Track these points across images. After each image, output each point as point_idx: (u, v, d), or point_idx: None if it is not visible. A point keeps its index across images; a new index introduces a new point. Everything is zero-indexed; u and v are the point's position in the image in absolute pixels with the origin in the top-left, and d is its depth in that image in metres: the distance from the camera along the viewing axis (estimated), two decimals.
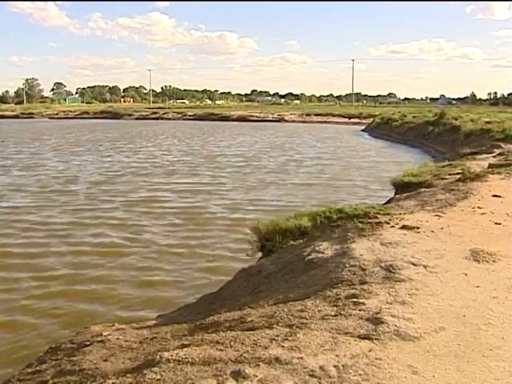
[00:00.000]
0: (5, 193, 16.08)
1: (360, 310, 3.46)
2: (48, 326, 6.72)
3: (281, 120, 66.74)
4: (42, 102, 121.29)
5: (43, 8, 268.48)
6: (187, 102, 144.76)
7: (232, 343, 3.02)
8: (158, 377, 2.66)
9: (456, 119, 30.58)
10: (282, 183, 17.46)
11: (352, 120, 62.49)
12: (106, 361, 3.40)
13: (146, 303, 7.41)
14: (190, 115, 76.20)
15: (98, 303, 7.47)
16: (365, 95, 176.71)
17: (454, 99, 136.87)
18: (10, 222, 12.24)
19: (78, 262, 9.33)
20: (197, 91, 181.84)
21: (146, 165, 22.81)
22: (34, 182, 18.13)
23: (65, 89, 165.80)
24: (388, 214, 6.44)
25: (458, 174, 10.26)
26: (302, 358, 2.73)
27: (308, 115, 70.36)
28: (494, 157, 14.67)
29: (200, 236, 10.86)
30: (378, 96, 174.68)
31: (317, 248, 5.41)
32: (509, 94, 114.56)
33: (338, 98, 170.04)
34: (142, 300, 7.56)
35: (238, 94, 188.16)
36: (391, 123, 40.02)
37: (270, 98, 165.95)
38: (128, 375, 2.82)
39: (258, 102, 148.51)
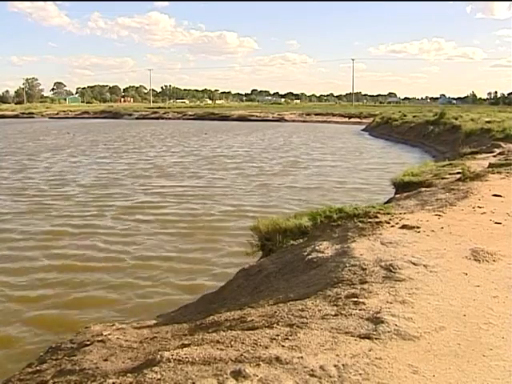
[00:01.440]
0: None
1: (360, 310, 3.46)
2: (34, 337, 6.44)
3: (281, 120, 66.78)
4: (42, 102, 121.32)
5: (43, 8, 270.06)
6: (187, 101, 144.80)
7: (232, 343, 3.02)
8: (159, 376, 2.66)
9: (456, 119, 30.61)
10: (285, 186, 16.99)
11: (352, 120, 62.51)
12: (106, 360, 3.40)
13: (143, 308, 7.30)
14: (190, 115, 76.28)
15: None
16: (365, 95, 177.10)
17: (454, 99, 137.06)
18: None
19: (63, 276, 8.62)
20: (197, 91, 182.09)
21: (144, 167, 22.20)
22: (23, 185, 17.49)
23: (65, 88, 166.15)
24: (388, 214, 6.44)
25: (458, 173, 10.26)
26: (302, 357, 2.73)
27: (308, 115, 70.38)
28: (495, 156, 14.68)
29: (199, 242, 10.50)
30: (378, 96, 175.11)
31: (317, 247, 5.41)
32: (509, 94, 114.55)
33: (338, 97, 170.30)
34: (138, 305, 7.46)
35: (238, 94, 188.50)
36: (391, 123, 40.05)
37: (270, 98, 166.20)
38: (128, 375, 2.82)
39: (258, 101, 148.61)
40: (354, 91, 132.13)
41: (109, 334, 4.02)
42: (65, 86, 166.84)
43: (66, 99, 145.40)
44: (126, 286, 8.18)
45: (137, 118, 76.38)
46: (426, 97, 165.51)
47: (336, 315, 3.41)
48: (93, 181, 18.56)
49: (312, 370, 2.60)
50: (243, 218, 12.25)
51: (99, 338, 3.94)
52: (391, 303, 3.57)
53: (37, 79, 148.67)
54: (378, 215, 6.33)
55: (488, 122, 25.91)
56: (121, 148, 31.30)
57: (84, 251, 9.97)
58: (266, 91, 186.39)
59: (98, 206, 14.01)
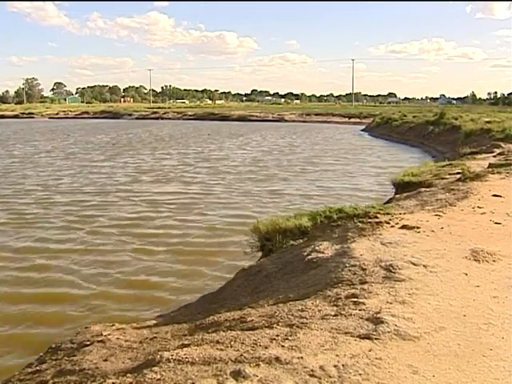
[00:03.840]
0: None
1: (360, 310, 3.46)
2: None
3: (281, 120, 66.83)
4: (42, 102, 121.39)
5: (41, 8, 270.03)
6: (187, 101, 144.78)
7: (232, 343, 3.02)
8: (158, 376, 2.66)
9: (456, 119, 30.61)
10: (285, 193, 15.94)
11: (352, 120, 62.54)
12: (106, 360, 3.40)
13: None
14: (190, 115, 76.33)
15: None
16: (365, 95, 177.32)
17: (454, 99, 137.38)
18: None
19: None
20: (197, 91, 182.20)
21: (139, 171, 20.77)
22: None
23: (65, 89, 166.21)
24: (388, 214, 6.44)
25: (458, 173, 10.27)
26: (302, 357, 2.73)
27: (308, 115, 70.43)
28: (494, 156, 14.68)
29: (196, 254, 9.68)
30: (378, 96, 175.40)
31: (317, 248, 5.41)
32: (509, 94, 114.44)
33: (338, 97, 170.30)
34: None
35: (238, 94, 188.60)
36: (391, 123, 40.04)
37: (270, 98, 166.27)
38: (128, 375, 2.82)
39: (258, 101, 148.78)
40: (354, 91, 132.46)
41: (109, 334, 4.02)
42: (65, 86, 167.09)
43: (65, 99, 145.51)
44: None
45: (137, 118, 76.44)
46: (426, 97, 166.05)
47: (336, 315, 3.41)
48: (79, 187, 17.03)
49: (312, 370, 2.60)
50: (245, 225, 10.75)
51: (99, 338, 3.94)
52: (391, 303, 3.57)
53: (37, 79, 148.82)
54: (378, 215, 6.33)
55: (488, 122, 25.92)
56: (116, 150, 29.87)
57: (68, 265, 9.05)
58: (265, 91, 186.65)
59: (83, 216, 12.75)
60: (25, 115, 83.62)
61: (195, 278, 8.49)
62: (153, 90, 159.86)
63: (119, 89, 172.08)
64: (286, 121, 66.09)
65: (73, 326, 6.35)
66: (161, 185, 17.74)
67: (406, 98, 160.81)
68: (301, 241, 6.16)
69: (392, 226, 5.93)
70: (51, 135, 43.41)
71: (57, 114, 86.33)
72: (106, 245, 10.33)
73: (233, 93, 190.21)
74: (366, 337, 3.03)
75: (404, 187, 10.30)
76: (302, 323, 3.28)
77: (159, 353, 2.97)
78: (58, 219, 12.53)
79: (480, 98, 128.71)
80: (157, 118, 74.76)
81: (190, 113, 78.87)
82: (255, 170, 21.53)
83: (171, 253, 9.77)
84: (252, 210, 13.46)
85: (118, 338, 3.90)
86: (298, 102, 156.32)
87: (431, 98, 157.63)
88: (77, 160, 25.13)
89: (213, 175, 19.93)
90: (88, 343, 3.88)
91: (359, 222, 6.11)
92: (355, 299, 3.67)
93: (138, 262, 9.25)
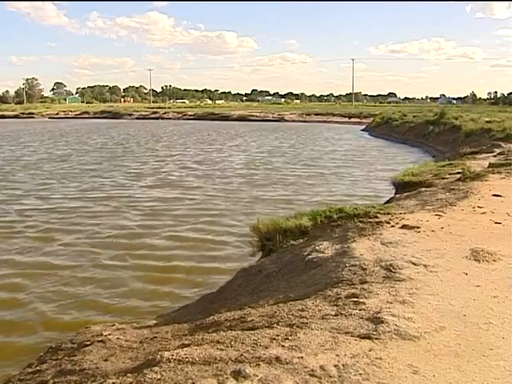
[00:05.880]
0: None
1: (360, 310, 3.46)
2: None
3: (281, 120, 66.86)
4: (42, 102, 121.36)
5: (41, 7, 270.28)
6: (187, 101, 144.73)
7: (232, 343, 3.02)
8: (159, 376, 2.66)
9: (456, 119, 30.61)
10: (290, 197, 15.21)
11: (352, 120, 62.54)
12: (106, 360, 3.40)
13: None
14: (190, 115, 76.38)
15: None
16: (365, 95, 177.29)
17: (454, 99, 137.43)
18: None
19: None
20: (197, 91, 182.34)
21: (135, 176, 19.89)
22: None
23: (65, 89, 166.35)
24: (388, 214, 6.44)
25: (458, 173, 10.27)
26: (302, 357, 2.73)
27: (308, 115, 70.47)
28: (495, 156, 14.69)
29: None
30: (379, 95, 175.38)
31: (317, 247, 5.41)
32: (509, 94, 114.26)
33: (338, 97, 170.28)
34: None
35: (238, 94, 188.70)
36: (391, 123, 40.04)
37: (270, 98, 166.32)
38: (128, 375, 2.82)
39: (258, 101, 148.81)
40: (354, 91, 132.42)
41: (109, 334, 4.02)
42: (65, 86, 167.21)
43: (66, 99, 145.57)
44: None
45: (137, 118, 76.47)
46: (426, 97, 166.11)
47: (336, 315, 3.41)
48: (68, 193, 16.00)
49: (312, 370, 2.60)
50: (242, 227, 10.48)
51: (99, 338, 3.94)
52: (391, 303, 3.57)
53: (37, 79, 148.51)
54: (378, 215, 6.34)
55: (488, 121, 25.92)
56: (113, 153, 28.82)
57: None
58: (266, 91, 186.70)
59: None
60: (25, 115, 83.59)
61: (196, 279, 8.44)
62: (153, 90, 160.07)
63: (119, 89, 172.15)
64: (286, 121, 66.10)
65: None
66: (159, 190, 16.98)
67: (406, 98, 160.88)
68: (301, 241, 6.16)
69: (392, 226, 5.93)
70: (49, 135, 43.05)
71: (57, 114, 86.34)
72: (102, 251, 9.86)
73: (233, 93, 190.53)
74: (367, 336, 3.03)
75: (404, 187, 10.31)
76: (303, 323, 3.28)
77: (159, 353, 2.97)
78: (38, 228, 11.59)
79: (480, 98, 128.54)
80: (157, 118, 74.78)
81: (190, 113, 78.89)
82: (255, 173, 20.88)
83: (171, 257, 9.54)
84: (252, 213, 12.94)
85: (118, 338, 3.90)
86: (298, 101, 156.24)
87: (431, 98, 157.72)
88: (71, 162, 24.39)
89: (211, 179, 19.35)
90: (88, 343, 3.88)
91: (359, 221, 6.12)
92: (355, 299, 3.67)
93: (134, 268, 8.98)
